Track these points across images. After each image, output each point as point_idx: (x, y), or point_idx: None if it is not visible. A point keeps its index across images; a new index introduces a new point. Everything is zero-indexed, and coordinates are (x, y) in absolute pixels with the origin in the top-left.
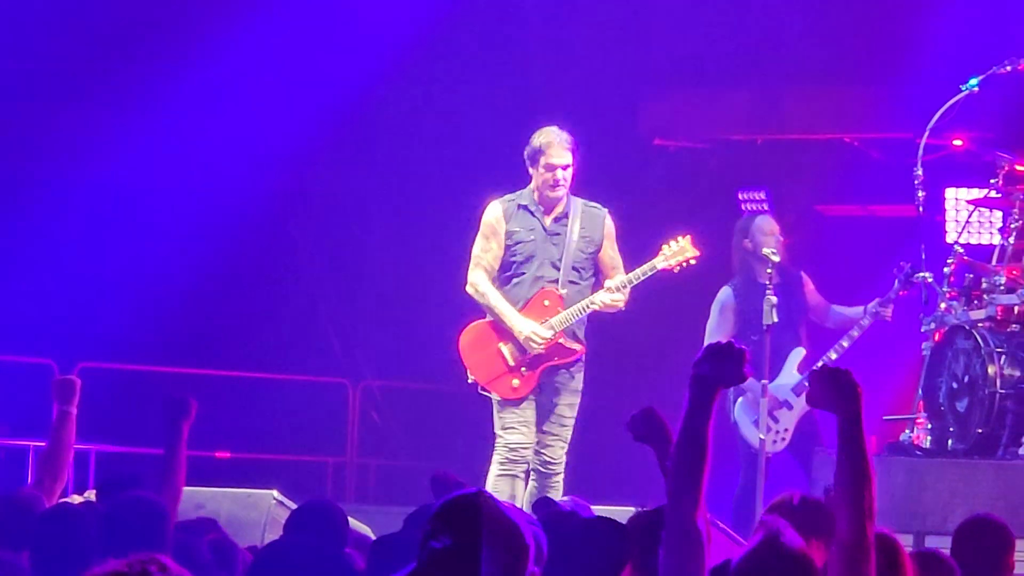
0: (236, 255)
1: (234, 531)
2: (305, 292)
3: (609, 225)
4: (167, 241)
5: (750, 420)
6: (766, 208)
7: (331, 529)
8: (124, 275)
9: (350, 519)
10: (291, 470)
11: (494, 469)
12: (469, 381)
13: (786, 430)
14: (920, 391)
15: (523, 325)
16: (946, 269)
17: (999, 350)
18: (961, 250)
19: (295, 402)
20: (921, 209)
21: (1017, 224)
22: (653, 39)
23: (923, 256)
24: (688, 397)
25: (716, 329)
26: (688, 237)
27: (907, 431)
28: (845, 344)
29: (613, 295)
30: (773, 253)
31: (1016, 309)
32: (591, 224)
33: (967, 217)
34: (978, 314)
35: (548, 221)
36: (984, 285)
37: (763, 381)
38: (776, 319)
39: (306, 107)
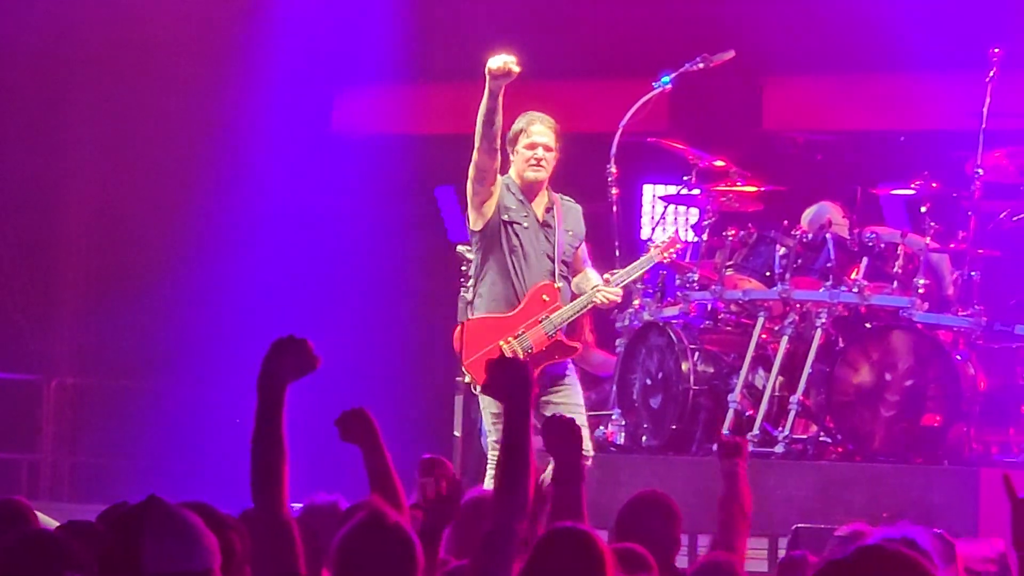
0: None
1: None
2: None
3: (583, 221)
4: None
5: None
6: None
7: (19, 527)
8: None
9: (42, 515)
10: None
11: (488, 479)
12: (465, 381)
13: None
14: (614, 387)
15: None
16: None
17: (692, 347)
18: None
19: None
20: (615, 206)
21: (711, 221)
22: (345, 34)
23: (617, 253)
24: (258, 396)
25: None
26: (677, 228)
27: (601, 427)
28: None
29: (613, 290)
30: None
31: (709, 306)
32: (573, 218)
33: (661, 213)
34: (671, 311)
35: (540, 212)
36: (678, 282)
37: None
38: (471, 315)
39: None
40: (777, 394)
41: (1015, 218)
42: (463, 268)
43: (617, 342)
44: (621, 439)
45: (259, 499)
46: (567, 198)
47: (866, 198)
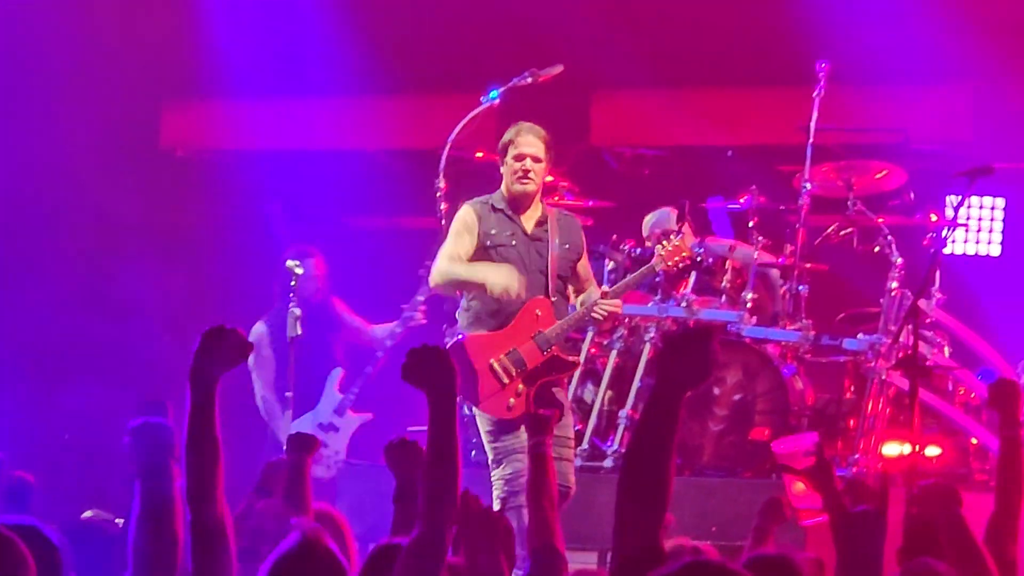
0: None
1: None
2: None
3: (582, 230)
4: None
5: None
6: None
7: None
8: None
9: None
10: None
11: (495, 506)
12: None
13: (337, 452)
14: None
15: (497, 275)
16: None
17: None
18: None
19: None
20: (444, 221)
21: None
22: (174, 49)
23: None
24: (191, 391)
25: (257, 371)
26: (682, 236)
27: None
28: (380, 355)
29: (611, 302)
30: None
31: None
32: (571, 232)
33: None
34: None
35: (530, 226)
36: None
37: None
38: (300, 332)
39: None
40: (606, 408)
41: (843, 232)
42: (291, 284)
43: None
44: None
45: (194, 502)
46: (565, 212)
47: (694, 212)
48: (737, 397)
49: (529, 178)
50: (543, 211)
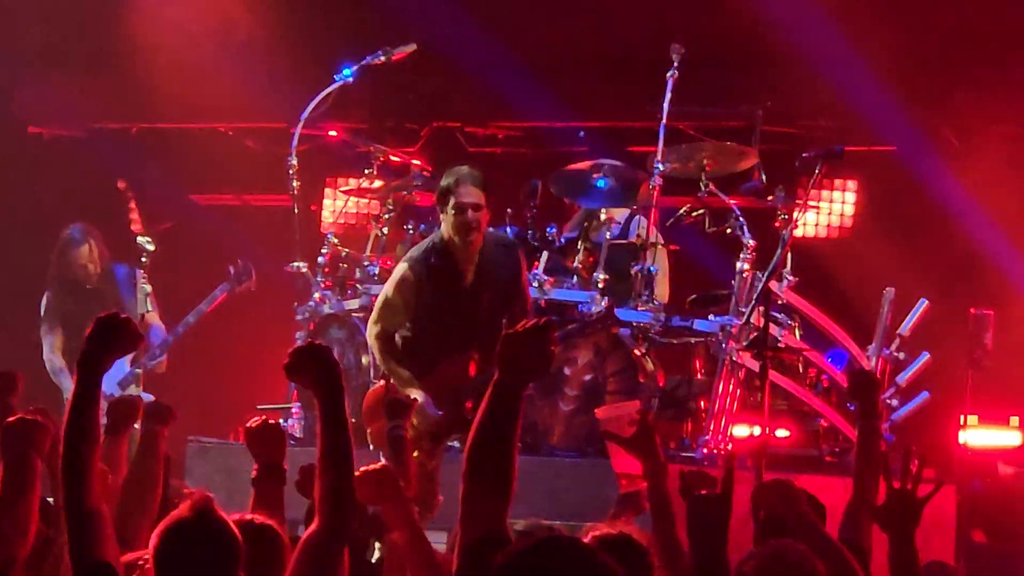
0: None
1: None
2: None
3: (520, 259)
4: None
5: None
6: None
7: None
8: None
9: None
10: None
11: None
12: (371, 450)
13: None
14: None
15: (418, 395)
16: (320, 259)
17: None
18: (336, 240)
19: None
20: (295, 198)
21: (391, 214)
22: (27, 21)
23: (297, 246)
24: (78, 375)
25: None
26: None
27: (281, 420)
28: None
29: None
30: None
31: None
32: (504, 264)
33: (343, 207)
34: (352, 304)
35: (465, 279)
36: (358, 275)
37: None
38: (150, 309)
39: None
40: None
41: (695, 213)
42: (143, 260)
43: (297, 335)
44: (300, 432)
45: (70, 486)
46: (502, 239)
47: (547, 192)
48: (587, 378)
49: (472, 228)
50: (478, 254)
